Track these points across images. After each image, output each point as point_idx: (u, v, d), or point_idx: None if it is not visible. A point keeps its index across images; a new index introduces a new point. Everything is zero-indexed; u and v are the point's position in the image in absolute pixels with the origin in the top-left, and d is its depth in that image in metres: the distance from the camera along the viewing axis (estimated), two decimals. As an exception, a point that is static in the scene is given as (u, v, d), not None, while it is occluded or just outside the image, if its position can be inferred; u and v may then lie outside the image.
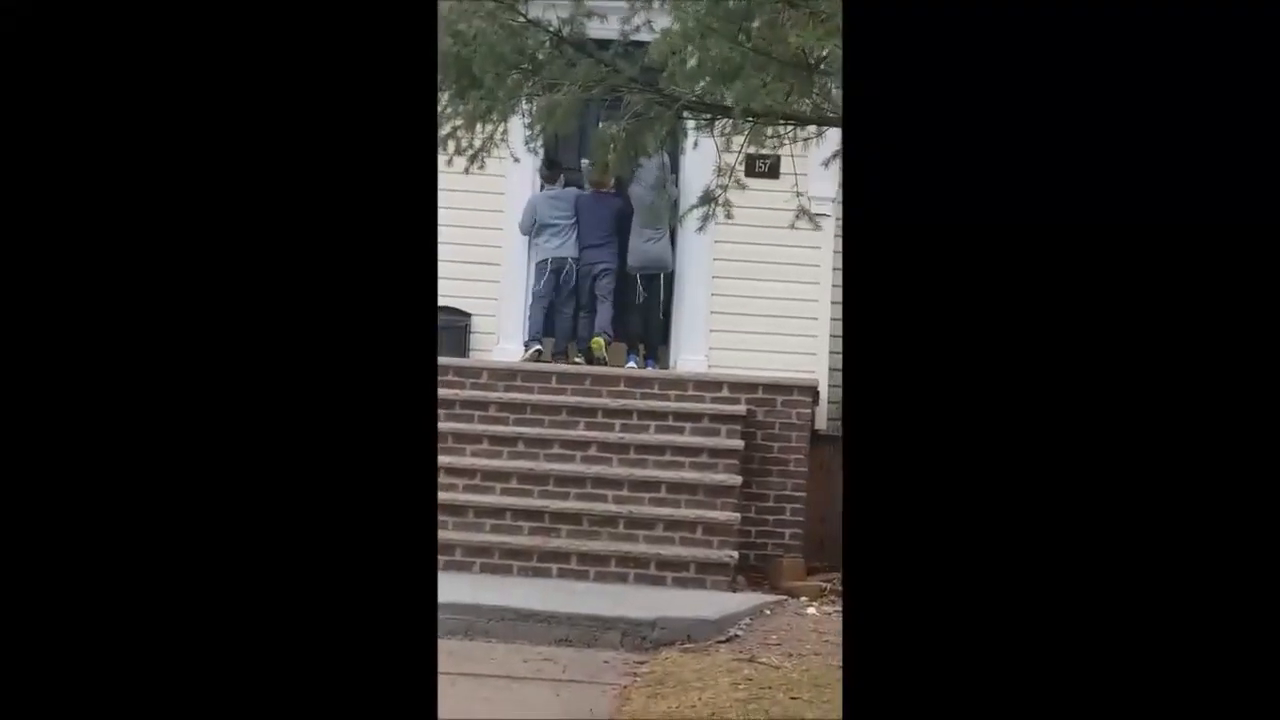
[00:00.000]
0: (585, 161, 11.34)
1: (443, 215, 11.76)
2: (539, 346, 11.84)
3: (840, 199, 10.18)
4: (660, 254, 11.67)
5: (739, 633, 9.38)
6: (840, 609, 10.21)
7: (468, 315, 11.71)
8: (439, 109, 6.32)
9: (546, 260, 11.90)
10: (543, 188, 12.14)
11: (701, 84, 5.77)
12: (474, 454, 10.85)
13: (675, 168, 11.19)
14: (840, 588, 10.56)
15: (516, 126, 6.76)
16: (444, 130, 6.33)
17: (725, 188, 6.72)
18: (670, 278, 11.68)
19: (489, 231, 11.78)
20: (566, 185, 12.18)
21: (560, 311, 11.96)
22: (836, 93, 5.76)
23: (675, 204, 10.46)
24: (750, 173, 8.67)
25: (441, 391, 11.31)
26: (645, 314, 11.91)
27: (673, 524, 10.57)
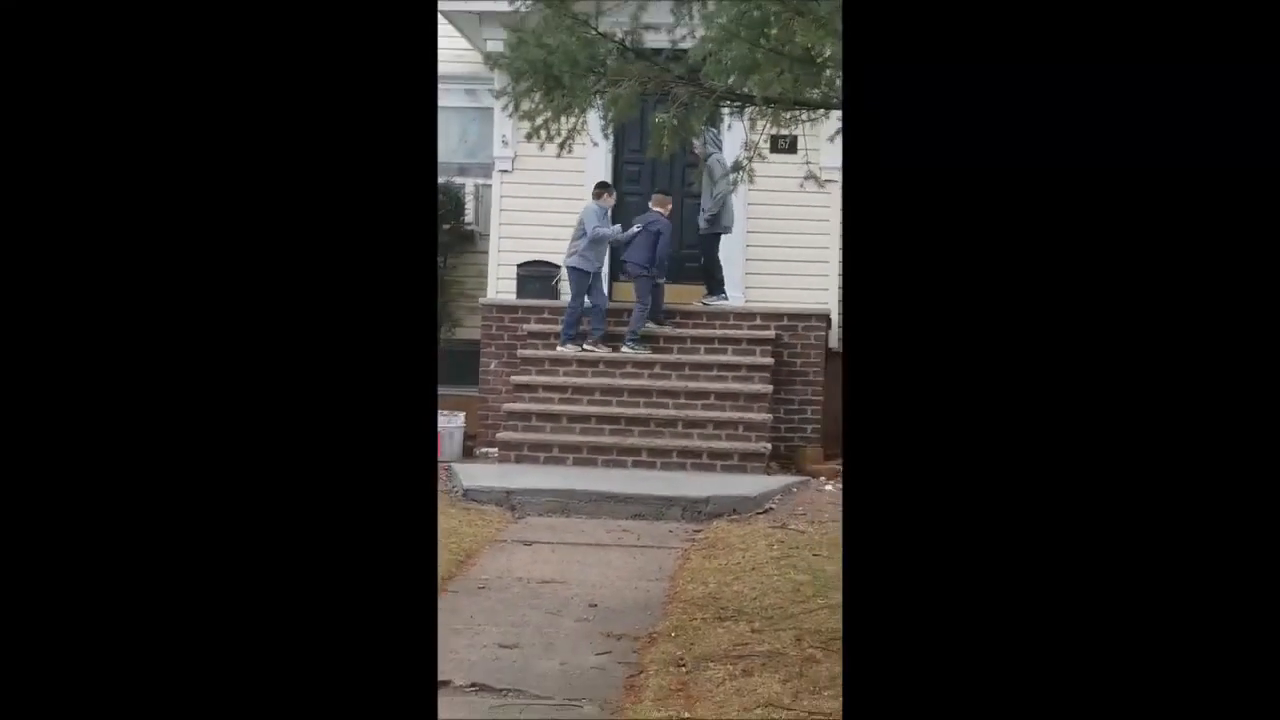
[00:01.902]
0: (655, 195, 11.70)
1: (534, 189, 12.07)
2: (577, 346, 11.36)
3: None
4: (727, 221, 11.53)
5: (772, 506, 9.45)
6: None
7: (558, 267, 11.73)
8: (531, 107, 6.39)
9: (581, 270, 11.26)
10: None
11: (731, 79, 5.81)
12: (565, 374, 10.97)
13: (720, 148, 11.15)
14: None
15: (593, 120, 6.82)
16: (537, 122, 6.41)
17: (751, 159, 6.77)
18: (717, 236, 11.63)
19: (571, 201, 11.76)
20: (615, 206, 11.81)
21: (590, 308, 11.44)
22: (839, 83, 5.79)
23: (727, 178, 10.40)
24: (774, 149, 8.63)
25: (536, 326, 11.48)
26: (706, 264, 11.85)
27: (720, 424, 10.66)
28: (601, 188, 11.50)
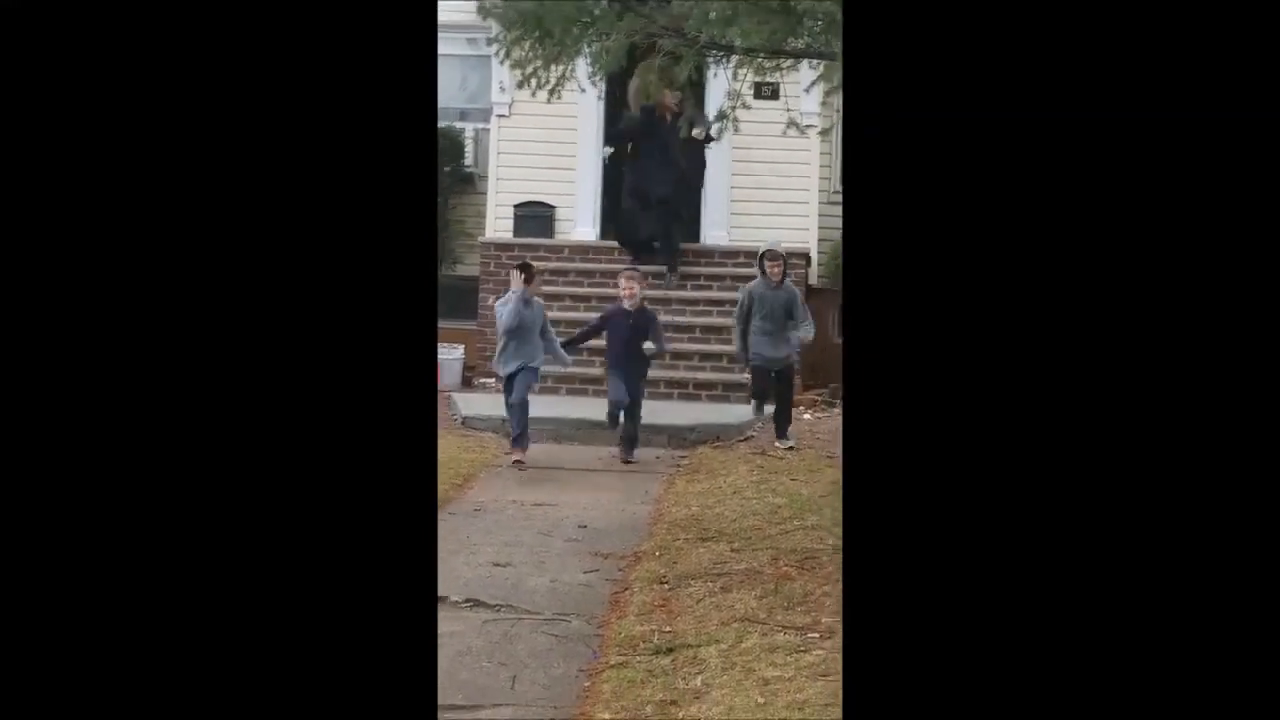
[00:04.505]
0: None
1: (530, 134, 12.01)
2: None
3: (822, 113, 10.16)
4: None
5: (753, 434, 9.48)
6: (830, 414, 10.32)
7: (552, 207, 11.77)
8: (522, 55, 6.35)
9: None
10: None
11: (714, 30, 5.77)
12: (559, 309, 10.95)
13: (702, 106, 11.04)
14: (830, 400, 10.68)
15: (582, 68, 6.80)
16: (528, 70, 6.41)
17: (734, 108, 6.72)
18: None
19: (564, 145, 11.78)
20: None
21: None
22: (818, 33, 5.75)
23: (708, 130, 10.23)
24: (758, 96, 8.59)
25: (536, 263, 11.47)
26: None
27: (705, 356, 10.71)
28: (521, 269, 8.83)
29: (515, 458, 8.46)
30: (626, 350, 8.73)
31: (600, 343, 9.32)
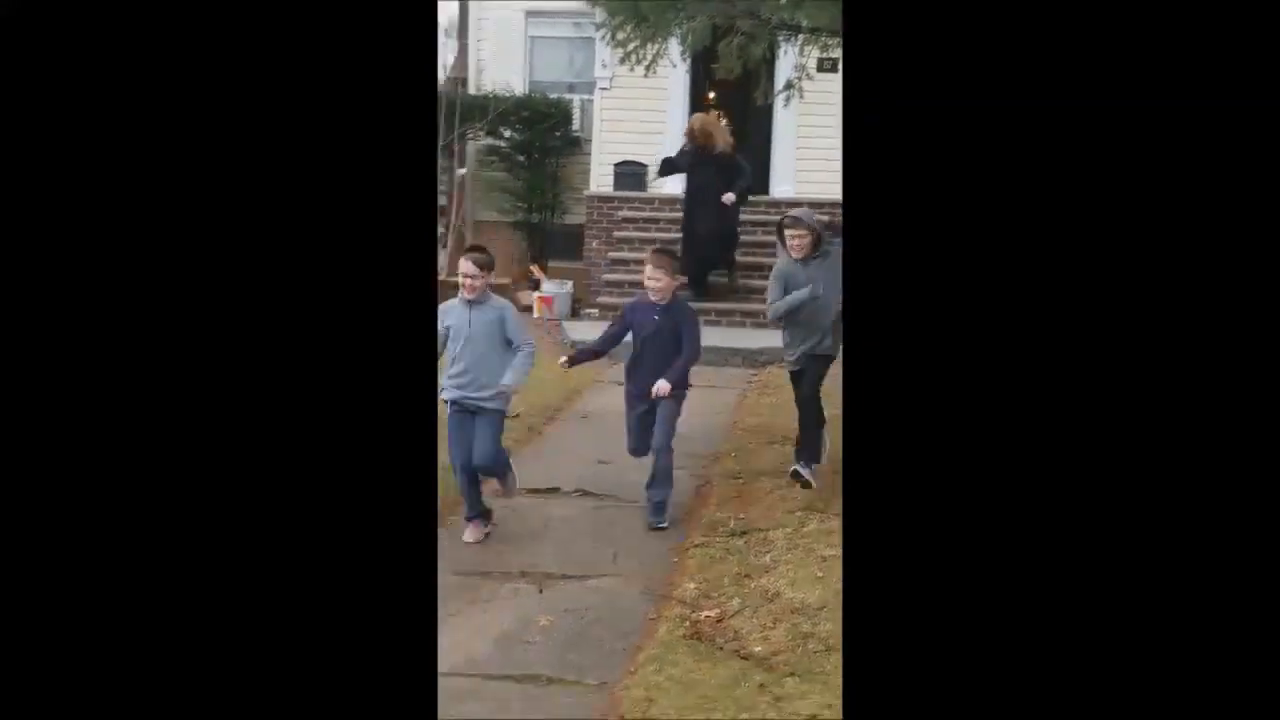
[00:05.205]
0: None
1: (627, 103, 12.08)
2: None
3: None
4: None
5: (816, 357, 9.51)
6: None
7: (645, 166, 11.83)
8: (623, 36, 6.44)
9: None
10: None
11: (784, 13, 5.82)
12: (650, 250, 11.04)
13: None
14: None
15: (674, 46, 6.86)
16: (627, 49, 6.51)
17: (800, 79, 6.76)
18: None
19: (657, 112, 11.89)
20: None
21: None
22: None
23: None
24: (820, 69, 8.55)
25: (628, 214, 11.61)
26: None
27: (775, 292, 10.75)
28: (470, 252, 5.12)
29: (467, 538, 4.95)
30: (651, 356, 5.39)
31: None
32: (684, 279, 5.55)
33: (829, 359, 5.77)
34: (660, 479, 5.32)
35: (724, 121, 10.92)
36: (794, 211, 5.88)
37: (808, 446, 5.79)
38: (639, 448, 5.49)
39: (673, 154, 10.83)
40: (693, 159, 10.49)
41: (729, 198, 10.19)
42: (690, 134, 10.48)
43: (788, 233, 5.70)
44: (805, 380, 5.78)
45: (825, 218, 6.16)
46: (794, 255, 5.71)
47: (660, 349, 5.40)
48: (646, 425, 5.41)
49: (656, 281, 5.42)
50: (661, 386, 5.26)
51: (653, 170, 11.28)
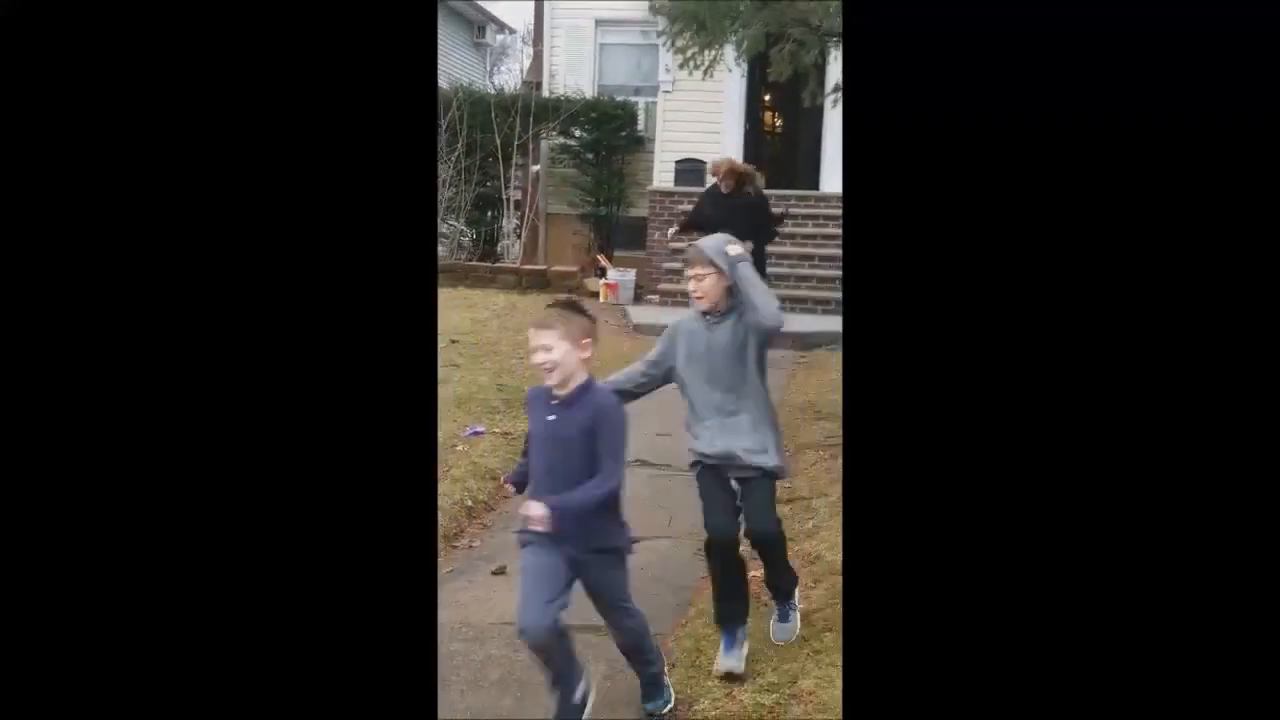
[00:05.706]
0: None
1: (687, 105, 12.03)
2: None
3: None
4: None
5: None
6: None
7: (704, 162, 11.74)
8: (683, 43, 6.33)
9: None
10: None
11: (832, 21, 5.68)
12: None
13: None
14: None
15: (729, 53, 6.77)
16: (687, 55, 6.44)
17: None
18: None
19: (714, 113, 11.90)
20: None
21: None
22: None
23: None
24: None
25: (688, 206, 11.41)
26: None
27: (822, 280, 10.60)
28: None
29: None
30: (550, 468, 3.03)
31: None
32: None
33: (770, 475, 3.65)
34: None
35: (754, 169, 9.30)
36: (694, 243, 3.65)
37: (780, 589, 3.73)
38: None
39: (697, 203, 9.18)
40: (716, 203, 8.84)
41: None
42: (717, 172, 8.77)
43: (686, 272, 3.60)
44: (753, 506, 3.58)
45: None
46: (698, 307, 3.57)
47: (562, 458, 3.00)
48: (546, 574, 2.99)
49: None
50: (532, 508, 2.87)
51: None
